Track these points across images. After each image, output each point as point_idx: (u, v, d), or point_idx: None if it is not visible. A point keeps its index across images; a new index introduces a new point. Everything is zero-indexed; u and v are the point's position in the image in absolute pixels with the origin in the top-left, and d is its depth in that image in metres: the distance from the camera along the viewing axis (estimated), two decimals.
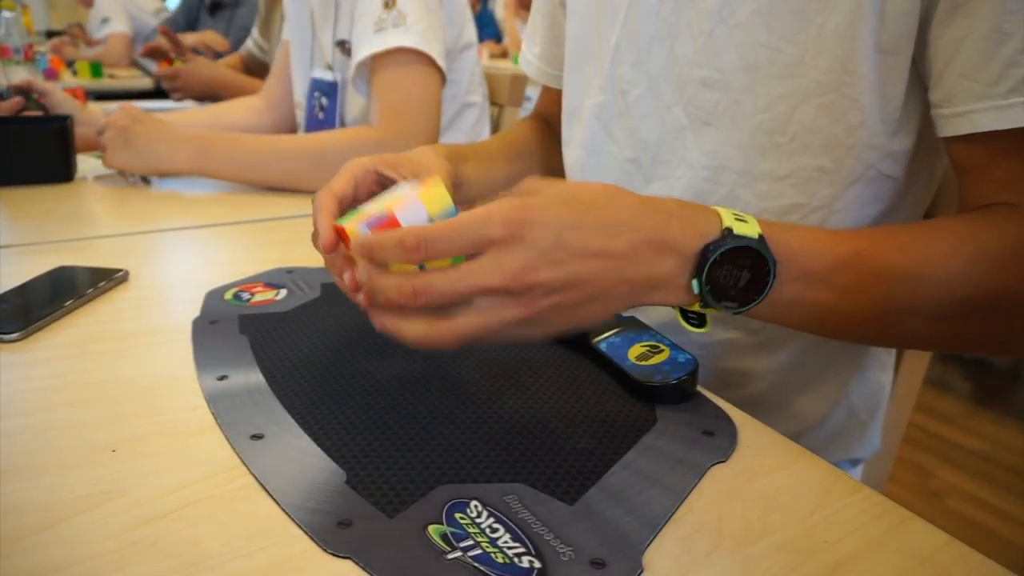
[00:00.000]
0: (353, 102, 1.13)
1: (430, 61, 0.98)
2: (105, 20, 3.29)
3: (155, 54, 2.30)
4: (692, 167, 0.57)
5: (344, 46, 1.11)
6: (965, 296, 0.44)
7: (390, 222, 0.40)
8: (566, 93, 0.70)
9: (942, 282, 0.44)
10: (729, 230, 0.41)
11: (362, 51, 0.98)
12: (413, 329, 0.38)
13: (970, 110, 0.45)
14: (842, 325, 0.46)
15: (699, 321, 0.45)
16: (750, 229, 0.41)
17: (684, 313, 0.44)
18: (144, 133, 0.95)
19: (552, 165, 0.79)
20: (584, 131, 0.66)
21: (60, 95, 1.13)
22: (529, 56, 0.82)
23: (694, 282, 0.41)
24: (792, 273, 0.43)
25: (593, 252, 0.38)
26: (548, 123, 0.86)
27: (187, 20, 2.72)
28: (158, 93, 2.35)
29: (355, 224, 0.41)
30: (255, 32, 1.90)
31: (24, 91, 1.10)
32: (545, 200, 0.38)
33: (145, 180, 1.02)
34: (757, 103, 0.53)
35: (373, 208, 0.42)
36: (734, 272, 0.41)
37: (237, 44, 2.63)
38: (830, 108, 0.51)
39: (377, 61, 0.98)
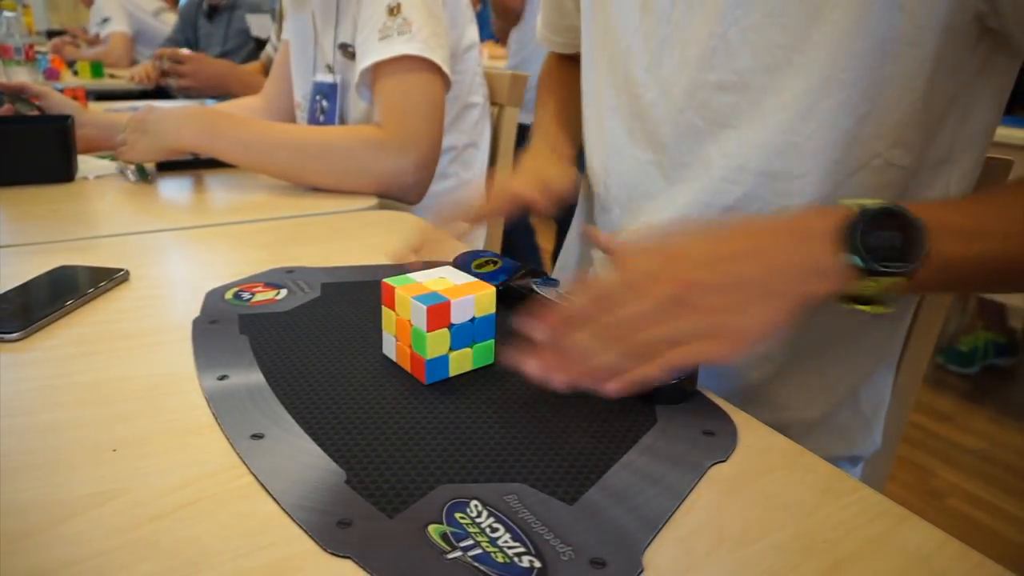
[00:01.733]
0: (355, 105, 1.13)
1: (434, 67, 0.98)
2: (105, 20, 3.29)
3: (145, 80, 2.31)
4: (711, 168, 0.58)
5: (346, 49, 1.11)
6: None
7: (445, 305, 0.44)
8: (584, 92, 0.72)
9: None
10: (861, 206, 0.42)
11: (367, 59, 0.98)
12: (598, 363, 0.41)
13: None
14: (1013, 272, 0.45)
15: (871, 299, 0.44)
16: (875, 203, 0.42)
17: (855, 298, 0.44)
18: (156, 118, 0.97)
19: None
20: (604, 132, 0.67)
21: (57, 97, 1.13)
22: (539, 25, 0.87)
23: (854, 258, 0.40)
24: (944, 232, 0.42)
25: (739, 251, 0.41)
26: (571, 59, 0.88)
27: (185, 36, 2.71)
28: (158, 93, 2.35)
29: (407, 292, 0.45)
30: (274, 38, 1.89)
31: (17, 95, 1.10)
32: (679, 233, 0.43)
33: (146, 179, 1.02)
34: (776, 103, 0.53)
35: (429, 285, 0.47)
36: (886, 235, 0.41)
37: (237, 47, 2.62)
38: (847, 104, 0.51)
39: (381, 68, 0.98)
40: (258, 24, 2.51)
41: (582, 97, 0.72)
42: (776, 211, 0.46)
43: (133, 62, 3.24)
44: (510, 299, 0.56)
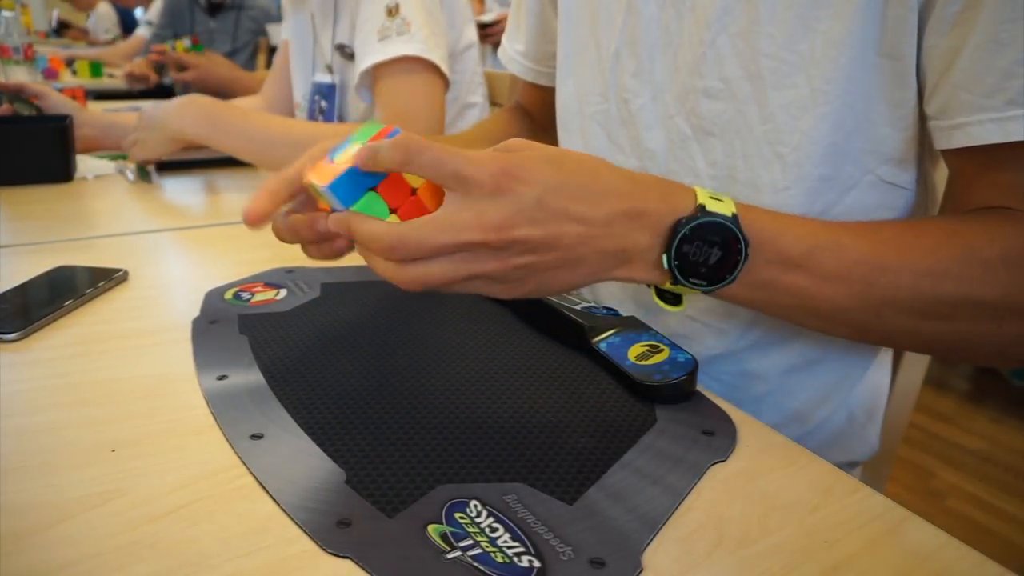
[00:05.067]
0: (353, 106, 1.13)
1: (434, 68, 0.98)
2: (148, 22, 3.28)
3: (138, 80, 2.29)
4: (699, 177, 0.57)
5: (344, 50, 1.11)
6: (949, 295, 0.43)
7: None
8: (561, 97, 0.70)
9: (924, 276, 0.43)
10: (702, 207, 0.41)
11: (367, 60, 0.98)
12: (384, 269, 0.39)
13: (966, 122, 0.45)
14: (820, 313, 0.46)
15: (674, 300, 0.45)
16: (724, 208, 0.42)
17: (659, 291, 0.45)
18: (157, 113, 0.97)
19: None
20: (587, 139, 0.65)
21: (56, 97, 1.12)
22: (512, 52, 0.82)
23: (664, 257, 0.41)
24: (767, 255, 0.43)
25: (573, 216, 0.39)
26: (528, 113, 0.86)
27: (175, 31, 2.68)
28: (158, 93, 2.35)
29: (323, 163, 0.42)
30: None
31: (16, 95, 1.10)
32: (531, 158, 0.39)
33: (145, 179, 1.02)
34: (760, 113, 0.52)
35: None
36: (704, 248, 0.41)
37: (243, 47, 2.62)
38: (832, 117, 0.50)
39: (381, 69, 0.98)
40: (277, 33, 2.50)
41: (557, 110, 0.70)
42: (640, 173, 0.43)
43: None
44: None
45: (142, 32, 3.30)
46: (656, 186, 0.42)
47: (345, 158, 0.41)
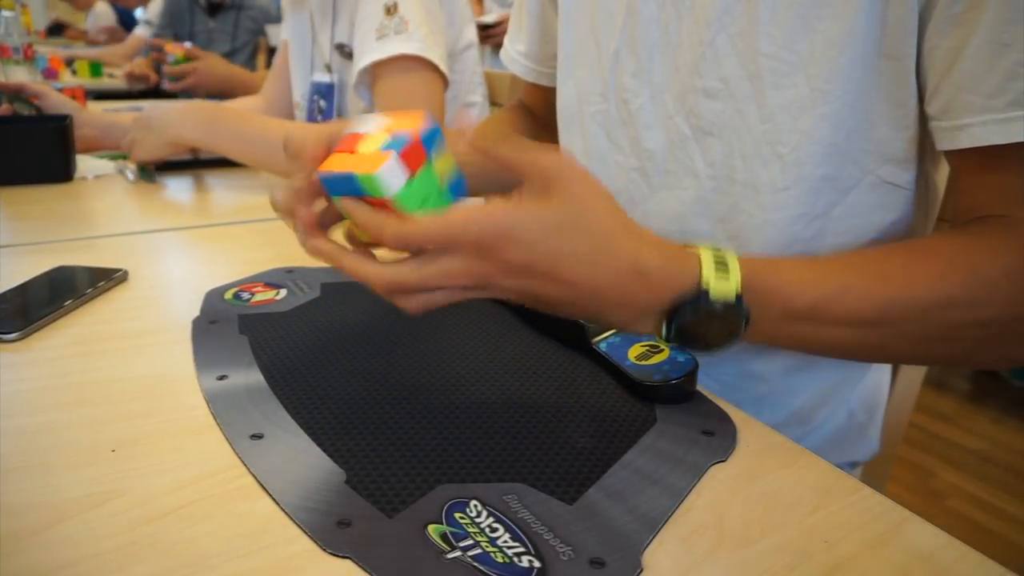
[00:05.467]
0: (353, 105, 1.13)
1: (432, 66, 0.98)
2: (148, 22, 3.27)
3: (138, 80, 2.29)
4: (698, 177, 0.57)
5: (343, 49, 1.11)
6: (956, 321, 0.44)
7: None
8: (561, 97, 0.69)
9: (932, 307, 0.44)
10: (705, 292, 0.41)
11: (364, 59, 0.98)
12: (376, 285, 0.40)
13: (968, 123, 0.45)
14: (824, 351, 0.48)
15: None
16: (727, 287, 0.41)
17: None
18: (159, 115, 0.98)
19: None
20: (587, 139, 0.65)
21: (56, 97, 1.12)
22: (513, 54, 0.82)
23: (663, 327, 0.42)
24: (772, 313, 0.43)
25: (563, 281, 0.39)
26: (531, 112, 0.86)
27: (175, 31, 2.69)
28: (158, 93, 2.35)
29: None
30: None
31: (16, 95, 1.10)
32: (537, 218, 0.38)
33: (145, 179, 1.02)
34: (759, 113, 0.52)
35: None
36: (703, 326, 0.42)
37: (243, 47, 2.62)
38: (832, 117, 0.50)
39: (380, 68, 0.98)
40: (276, 33, 2.50)
41: (557, 110, 0.70)
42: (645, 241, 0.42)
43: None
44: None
45: (140, 32, 3.29)
46: (660, 270, 0.41)
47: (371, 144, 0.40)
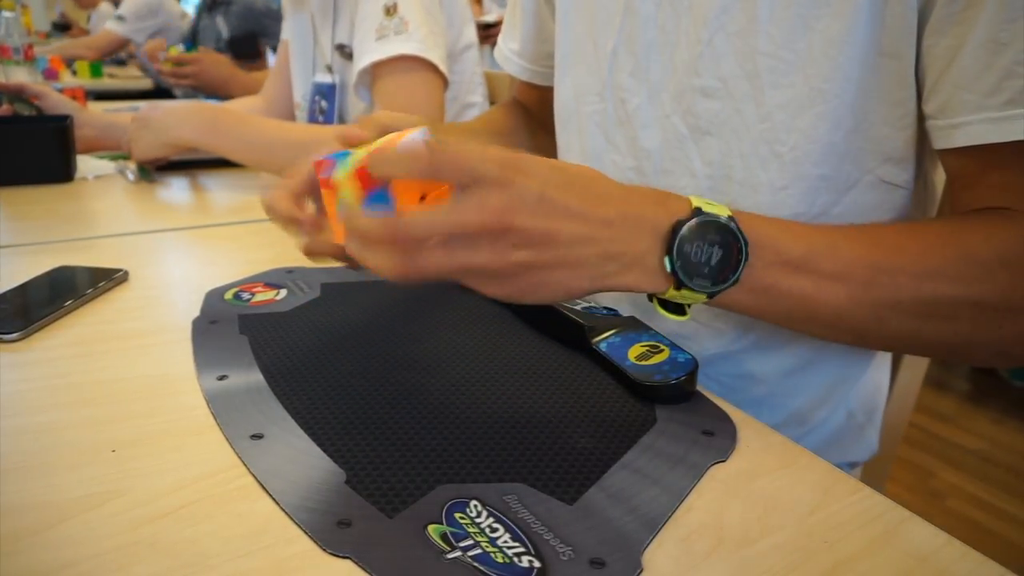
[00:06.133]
0: (354, 106, 1.14)
1: (432, 67, 0.98)
2: (120, 17, 3.25)
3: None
4: (696, 177, 0.57)
5: (344, 50, 1.11)
6: (948, 296, 0.43)
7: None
8: (558, 96, 0.69)
9: (922, 278, 0.43)
10: (698, 208, 0.41)
11: (364, 59, 0.98)
12: (382, 262, 0.38)
13: (965, 122, 0.45)
14: (820, 317, 0.46)
15: (677, 308, 0.44)
16: (720, 210, 0.42)
17: (662, 301, 0.44)
18: (158, 116, 0.98)
19: (532, 147, 0.79)
20: (584, 139, 0.65)
21: (56, 97, 1.13)
22: (507, 52, 0.82)
23: (666, 260, 0.41)
24: (767, 258, 0.43)
25: (575, 212, 0.39)
26: (526, 108, 0.86)
27: (193, 30, 2.71)
28: (158, 93, 2.35)
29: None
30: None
31: (16, 95, 1.10)
32: (535, 158, 0.39)
33: (145, 179, 1.02)
34: (758, 112, 0.52)
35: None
36: (705, 248, 0.41)
37: (240, 42, 2.62)
38: (829, 116, 0.50)
39: (379, 68, 0.98)
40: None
41: (555, 109, 0.70)
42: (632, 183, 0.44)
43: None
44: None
45: (113, 27, 3.27)
46: (652, 193, 0.43)
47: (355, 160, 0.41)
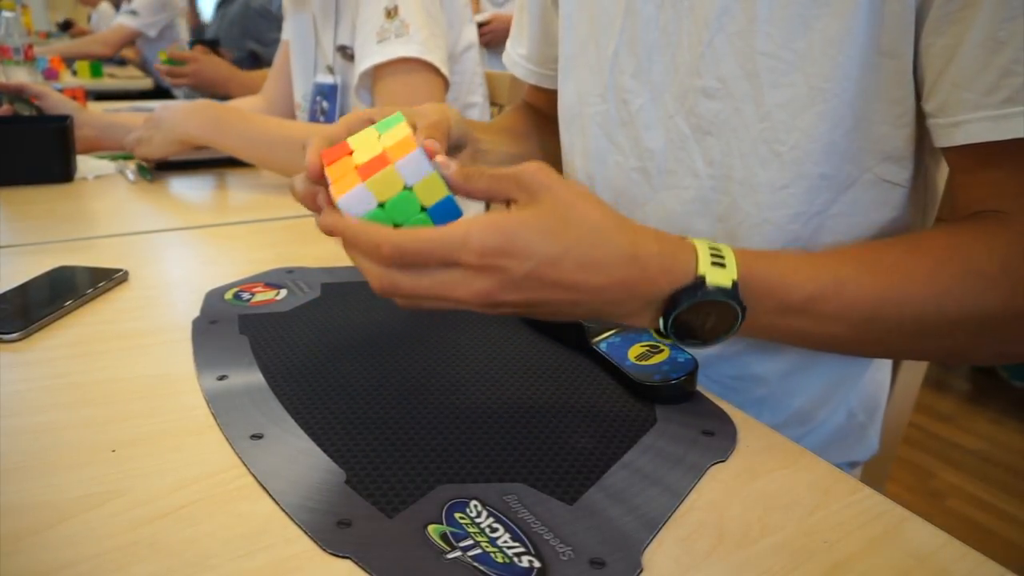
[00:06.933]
0: (355, 107, 1.14)
1: (433, 69, 0.98)
2: (132, 12, 3.25)
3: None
4: (698, 177, 0.57)
5: (345, 51, 1.11)
6: (953, 314, 0.44)
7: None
8: (562, 98, 0.70)
9: (927, 300, 0.44)
10: (702, 279, 0.41)
11: (365, 62, 0.98)
12: (368, 271, 0.39)
13: (964, 120, 0.45)
14: (819, 346, 0.48)
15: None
16: (724, 276, 0.41)
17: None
18: (165, 115, 1.00)
19: (548, 147, 0.79)
20: (587, 140, 0.65)
21: (56, 97, 1.13)
22: (515, 56, 0.82)
23: (661, 320, 0.42)
24: (768, 306, 0.43)
25: (567, 285, 0.39)
26: (538, 111, 0.86)
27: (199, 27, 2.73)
28: (158, 93, 2.35)
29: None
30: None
31: (16, 95, 1.10)
32: (531, 224, 0.38)
33: (145, 179, 1.02)
34: (757, 112, 0.52)
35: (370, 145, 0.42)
36: (701, 316, 0.42)
37: (233, 39, 2.63)
38: (829, 115, 0.50)
39: (380, 70, 0.98)
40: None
41: (559, 111, 0.70)
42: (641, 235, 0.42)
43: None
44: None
45: (126, 21, 3.27)
46: (657, 258, 0.41)
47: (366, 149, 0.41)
